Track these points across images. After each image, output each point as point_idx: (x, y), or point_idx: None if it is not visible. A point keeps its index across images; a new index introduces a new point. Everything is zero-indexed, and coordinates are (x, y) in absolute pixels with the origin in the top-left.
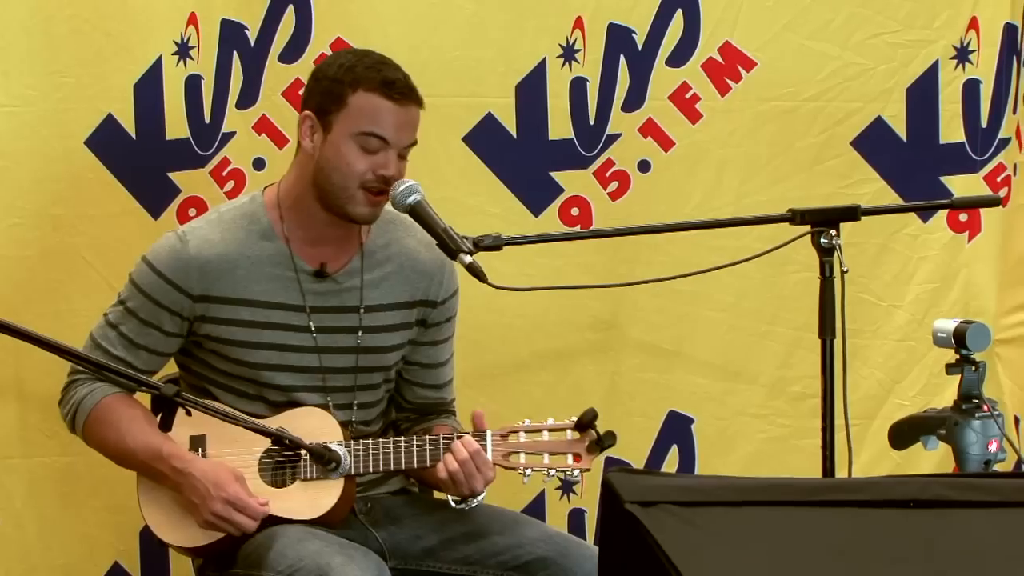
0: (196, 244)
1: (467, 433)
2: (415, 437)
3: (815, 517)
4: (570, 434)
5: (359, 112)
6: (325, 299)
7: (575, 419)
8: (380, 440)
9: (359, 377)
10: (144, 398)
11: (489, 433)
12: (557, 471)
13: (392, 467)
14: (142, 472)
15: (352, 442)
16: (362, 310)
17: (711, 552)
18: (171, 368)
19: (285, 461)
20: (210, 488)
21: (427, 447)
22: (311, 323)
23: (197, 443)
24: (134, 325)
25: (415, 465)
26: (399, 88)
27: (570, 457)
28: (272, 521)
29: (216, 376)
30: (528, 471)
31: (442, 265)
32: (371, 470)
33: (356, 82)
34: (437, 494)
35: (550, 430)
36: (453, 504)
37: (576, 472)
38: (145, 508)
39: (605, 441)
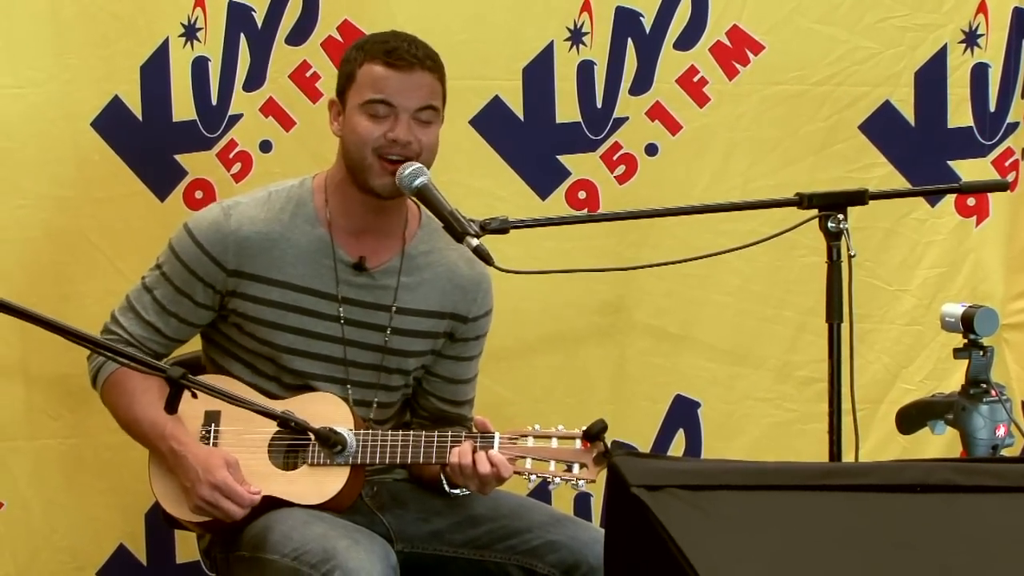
0: (238, 219)
1: (475, 436)
2: (423, 432)
3: (822, 501)
4: (578, 443)
5: (364, 83)
6: (359, 292)
7: (584, 429)
8: (389, 432)
9: (382, 376)
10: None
11: (497, 436)
12: (562, 479)
13: (398, 459)
14: (145, 445)
15: (361, 431)
16: (394, 310)
17: (718, 536)
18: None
19: (295, 444)
20: (199, 472)
21: (435, 443)
22: (341, 313)
23: (211, 419)
24: (168, 291)
25: (420, 460)
26: (399, 54)
27: (577, 466)
28: (277, 504)
29: (237, 351)
30: (533, 477)
31: (479, 282)
32: (377, 461)
33: (363, 56)
34: None
35: (559, 437)
36: (447, 488)
37: (581, 483)
38: (155, 481)
39: (613, 453)
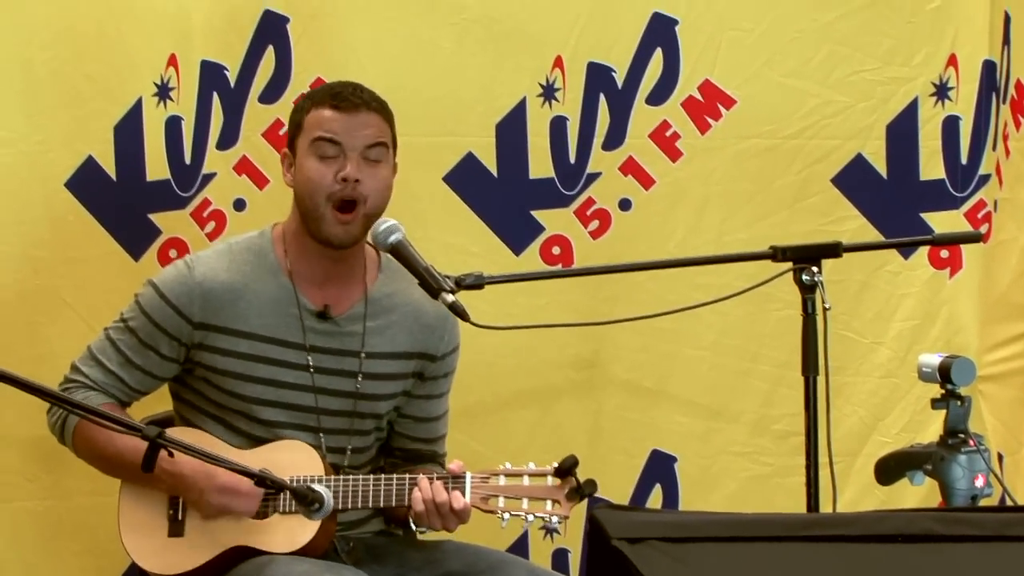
0: (202, 271)
1: (446, 477)
2: (395, 475)
3: (803, 552)
4: (550, 480)
5: (310, 127)
6: (326, 340)
7: (556, 465)
8: (360, 477)
9: (355, 422)
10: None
11: (468, 475)
12: (536, 517)
13: (370, 503)
14: (130, 476)
15: (332, 478)
16: (363, 356)
17: None
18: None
19: (267, 493)
20: (201, 481)
21: (406, 485)
22: (310, 362)
23: None
24: (133, 344)
25: (393, 502)
26: (344, 97)
27: (549, 503)
28: (250, 553)
29: (207, 407)
30: (507, 515)
31: (445, 320)
32: (348, 506)
33: (310, 104)
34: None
35: (530, 475)
36: (414, 528)
37: (555, 519)
38: (126, 535)
39: (585, 489)
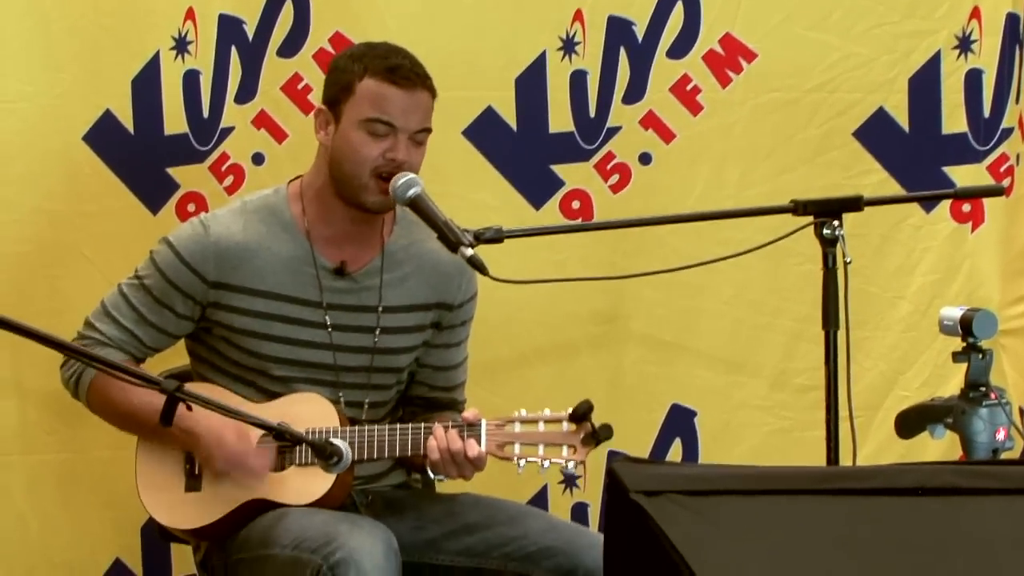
0: (216, 230)
1: (461, 425)
2: (411, 424)
3: (823, 506)
4: (566, 425)
5: (365, 99)
6: (343, 297)
7: (571, 410)
8: (376, 427)
9: (373, 377)
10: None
11: (484, 422)
12: (552, 462)
13: (386, 453)
14: (146, 433)
15: (347, 429)
16: (380, 310)
17: (718, 542)
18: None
19: (282, 446)
20: (212, 446)
21: (422, 433)
22: (328, 320)
23: None
24: (147, 301)
25: (409, 452)
26: (404, 73)
27: (565, 449)
28: (267, 506)
29: (226, 365)
30: (523, 462)
31: (462, 268)
32: (364, 456)
33: (363, 70)
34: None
35: (546, 421)
36: (431, 474)
37: (571, 464)
38: (144, 493)
39: (600, 434)
